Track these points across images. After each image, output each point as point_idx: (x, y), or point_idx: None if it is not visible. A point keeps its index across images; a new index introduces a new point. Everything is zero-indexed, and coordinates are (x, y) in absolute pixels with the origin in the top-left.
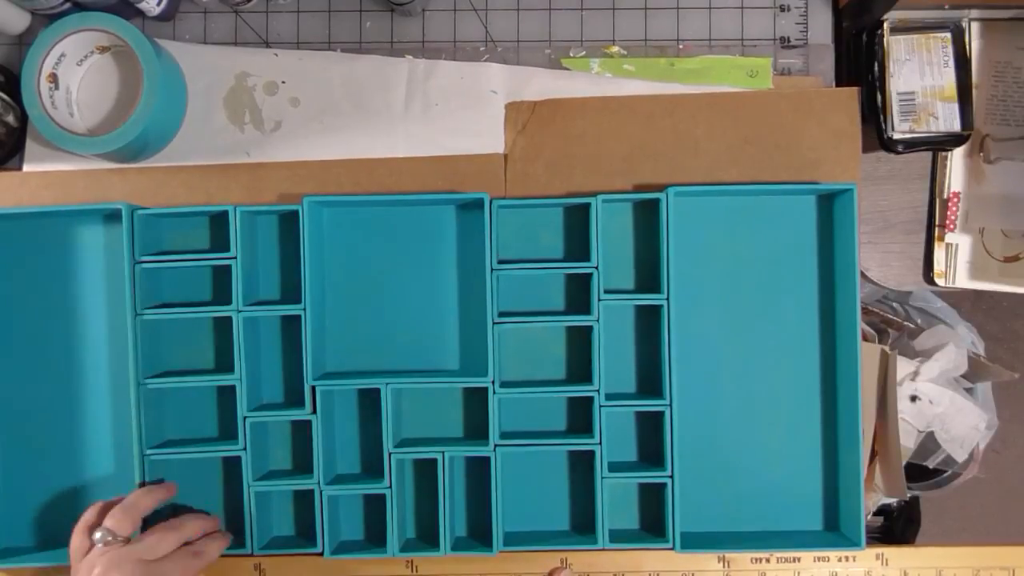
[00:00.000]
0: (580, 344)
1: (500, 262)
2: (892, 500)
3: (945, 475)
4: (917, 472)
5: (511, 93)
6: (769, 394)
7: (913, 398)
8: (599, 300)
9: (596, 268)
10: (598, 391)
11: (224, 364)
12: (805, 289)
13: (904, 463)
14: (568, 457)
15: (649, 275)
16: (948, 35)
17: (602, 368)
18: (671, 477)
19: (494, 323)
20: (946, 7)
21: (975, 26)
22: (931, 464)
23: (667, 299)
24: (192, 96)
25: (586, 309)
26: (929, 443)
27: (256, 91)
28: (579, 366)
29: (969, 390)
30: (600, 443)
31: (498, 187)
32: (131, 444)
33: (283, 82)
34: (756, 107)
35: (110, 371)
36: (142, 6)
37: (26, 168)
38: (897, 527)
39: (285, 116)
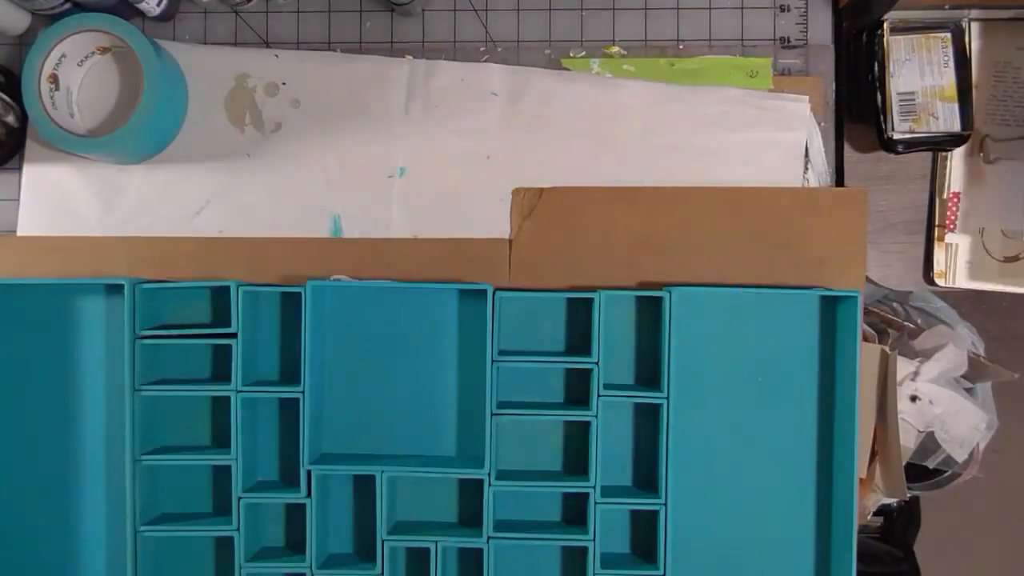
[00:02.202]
0: (578, 436)
1: (501, 353)
2: (892, 500)
3: (945, 475)
4: (917, 472)
5: (512, 95)
6: (766, 494)
7: (913, 398)
8: (599, 396)
9: (597, 364)
10: (594, 487)
11: (221, 439)
12: (805, 391)
13: (904, 463)
14: (561, 551)
15: (649, 369)
16: (948, 35)
17: (599, 464)
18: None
19: (492, 414)
20: (946, 7)
21: (975, 26)
22: (931, 464)
23: (667, 398)
24: (192, 97)
25: (585, 403)
26: (929, 443)
27: (256, 92)
28: (576, 457)
29: (969, 390)
30: (594, 539)
31: (503, 272)
32: (124, 519)
33: (283, 83)
34: (762, 203)
35: (106, 446)
36: (142, 7)
37: (26, 168)
38: (897, 527)
39: (285, 118)
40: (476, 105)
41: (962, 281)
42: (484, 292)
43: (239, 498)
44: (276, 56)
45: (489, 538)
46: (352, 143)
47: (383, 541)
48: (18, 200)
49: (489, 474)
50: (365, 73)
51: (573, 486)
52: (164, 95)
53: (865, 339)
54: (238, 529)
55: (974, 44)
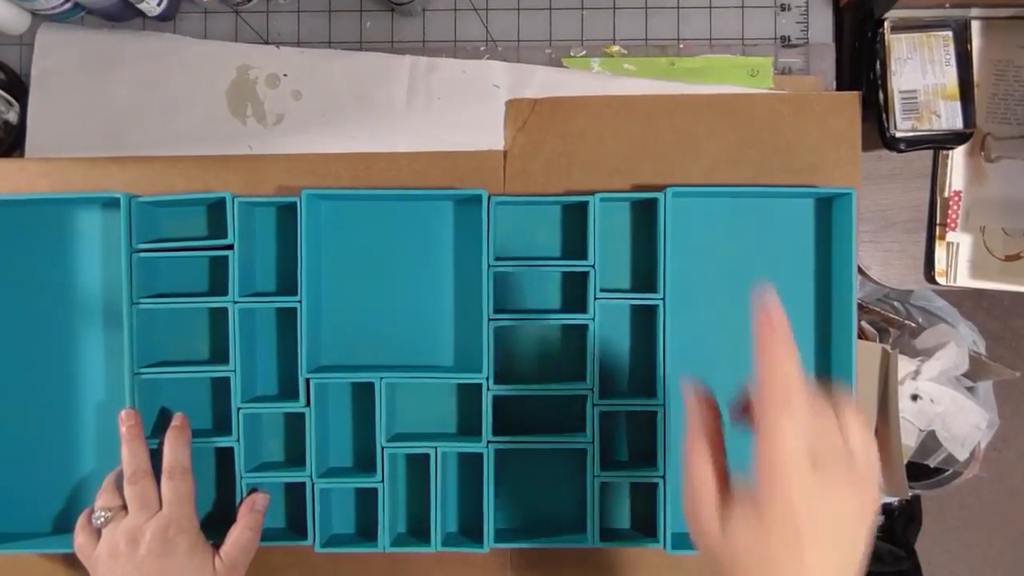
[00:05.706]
0: (575, 342)
1: (497, 259)
2: (893, 499)
3: (946, 474)
4: (918, 471)
5: (513, 87)
6: None
7: (914, 397)
8: (595, 299)
9: (593, 266)
10: (592, 390)
11: (219, 355)
12: (802, 292)
13: (905, 462)
14: (560, 455)
15: (645, 275)
16: (949, 33)
17: (596, 367)
18: (663, 477)
19: (489, 320)
20: (947, 6)
21: (975, 25)
22: (932, 463)
23: (663, 299)
24: (194, 88)
25: (582, 307)
26: (930, 442)
27: (258, 84)
28: (574, 364)
29: (970, 389)
30: (593, 442)
31: (497, 184)
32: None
33: (285, 75)
34: (756, 109)
35: (105, 360)
36: (142, 7)
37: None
38: (898, 526)
39: (287, 110)
40: (478, 97)
41: (963, 280)
42: (479, 198)
43: (238, 408)
44: (278, 47)
45: (488, 442)
46: (353, 135)
47: (383, 448)
48: None
49: (487, 379)
50: (367, 66)
51: (571, 389)
52: None
53: (866, 338)
54: (238, 440)
55: (975, 42)
